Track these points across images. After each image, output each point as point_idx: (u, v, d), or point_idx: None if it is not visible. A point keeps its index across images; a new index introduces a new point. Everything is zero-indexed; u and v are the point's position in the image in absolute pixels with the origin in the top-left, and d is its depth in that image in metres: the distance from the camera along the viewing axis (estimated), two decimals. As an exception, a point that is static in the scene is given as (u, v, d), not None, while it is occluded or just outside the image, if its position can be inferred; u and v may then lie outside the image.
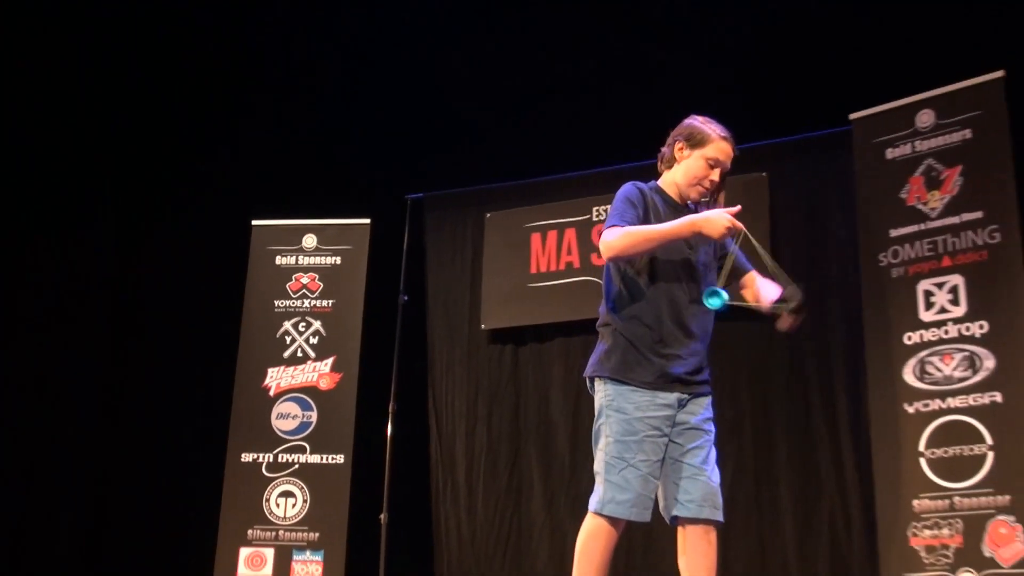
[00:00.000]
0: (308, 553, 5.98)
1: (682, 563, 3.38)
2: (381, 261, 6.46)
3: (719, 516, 3.35)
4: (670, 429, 3.32)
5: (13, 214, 6.52)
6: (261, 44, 6.94)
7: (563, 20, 6.51)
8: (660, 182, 3.61)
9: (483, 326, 6.41)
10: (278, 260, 6.48)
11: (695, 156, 3.52)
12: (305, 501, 6.07)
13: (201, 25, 6.82)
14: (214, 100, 7.02)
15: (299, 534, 6.03)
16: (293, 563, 5.98)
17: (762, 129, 5.90)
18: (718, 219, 3.27)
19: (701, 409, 3.39)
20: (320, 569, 5.94)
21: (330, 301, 6.38)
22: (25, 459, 6.43)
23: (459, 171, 6.69)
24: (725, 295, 3.22)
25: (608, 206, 6.16)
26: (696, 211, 3.43)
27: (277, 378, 6.26)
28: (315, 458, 6.13)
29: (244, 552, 6.03)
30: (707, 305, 3.24)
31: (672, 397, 3.32)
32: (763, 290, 3.37)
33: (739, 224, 3.29)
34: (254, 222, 6.56)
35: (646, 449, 3.28)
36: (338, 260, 6.46)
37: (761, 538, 5.51)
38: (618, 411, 3.33)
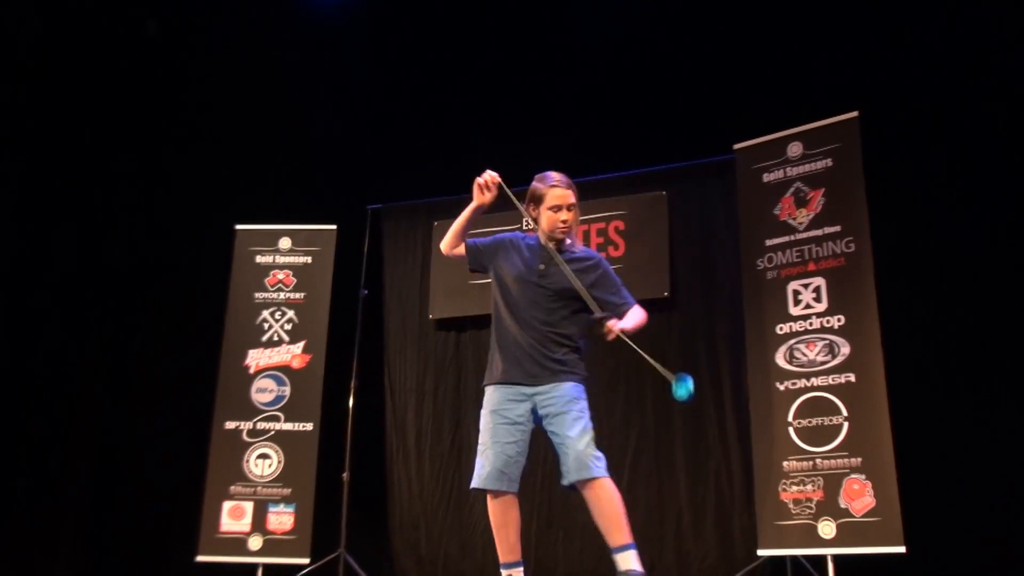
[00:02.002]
0: (282, 506, 5.92)
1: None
2: (345, 261, 6.42)
3: (589, 474, 3.35)
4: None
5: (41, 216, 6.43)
6: (252, 76, 6.87)
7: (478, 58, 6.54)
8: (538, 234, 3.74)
9: (431, 316, 6.40)
10: (257, 259, 6.40)
11: (542, 211, 3.67)
12: (280, 462, 6.00)
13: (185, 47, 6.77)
14: (207, 123, 6.95)
15: (274, 490, 5.96)
16: (269, 514, 5.91)
17: (662, 155, 5.97)
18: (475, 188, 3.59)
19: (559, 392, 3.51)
20: (292, 519, 5.88)
21: (302, 294, 6.31)
22: (38, 425, 6.29)
23: (411, 186, 6.69)
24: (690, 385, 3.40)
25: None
26: (560, 247, 3.66)
27: (256, 358, 6.18)
28: (288, 426, 6.06)
29: (227, 505, 5.95)
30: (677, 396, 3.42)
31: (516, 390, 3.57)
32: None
33: (487, 178, 3.59)
34: (237, 226, 6.47)
35: None
36: (309, 259, 6.39)
37: (660, 490, 5.58)
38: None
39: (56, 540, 6.39)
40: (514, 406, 3.53)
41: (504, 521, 3.50)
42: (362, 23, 6.81)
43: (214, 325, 6.24)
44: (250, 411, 6.09)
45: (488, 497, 3.51)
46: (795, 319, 5.12)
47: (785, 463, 4.96)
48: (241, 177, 6.79)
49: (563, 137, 6.36)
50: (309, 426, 6.05)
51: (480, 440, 3.55)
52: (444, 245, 3.76)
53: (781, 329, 5.15)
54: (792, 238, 5.22)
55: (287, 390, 6.12)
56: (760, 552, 4.96)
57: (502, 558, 3.54)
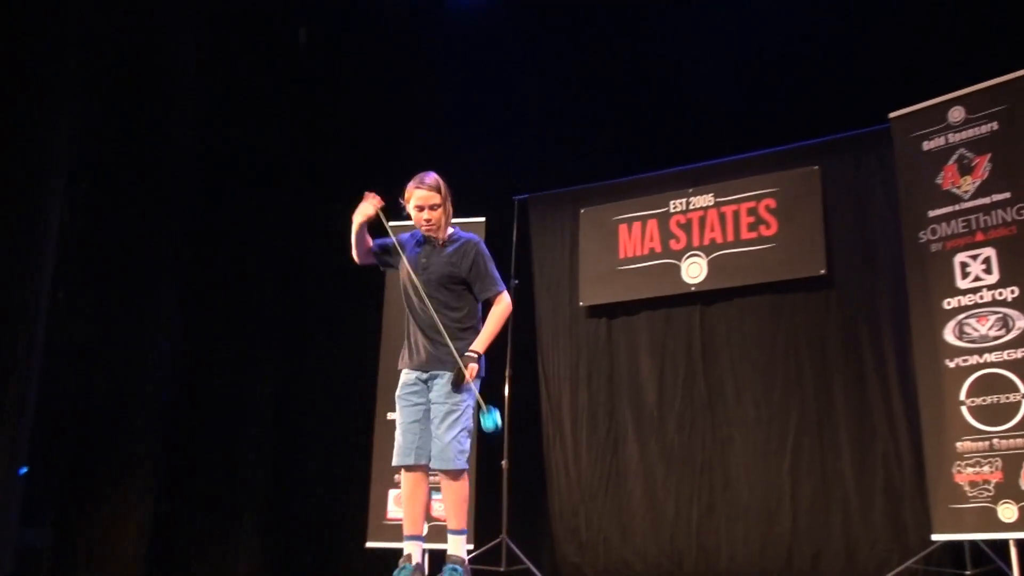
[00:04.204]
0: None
1: None
2: (495, 251, 6.44)
3: (450, 465, 3.79)
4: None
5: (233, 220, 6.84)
6: (401, 77, 7.07)
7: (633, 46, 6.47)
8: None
9: (581, 303, 6.38)
10: (411, 254, 6.52)
11: (411, 210, 4.00)
12: (440, 451, 6.11)
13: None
14: (362, 127, 7.20)
15: (436, 478, 6.05)
16: (432, 501, 6.02)
17: (813, 129, 5.76)
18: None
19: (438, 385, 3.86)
20: (454, 506, 5.97)
21: (454, 286, 6.40)
22: (221, 426, 6.64)
23: (557, 175, 6.68)
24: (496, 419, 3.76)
25: (683, 199, 6.12)
26: (433, 240, 4.00)
27: (414, 351, 6.31)
28: (447, 416, 6.16)
29: (392, 493, 6.12)
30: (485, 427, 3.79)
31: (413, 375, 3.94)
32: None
33: (369, 200, 3.95)
34: (390, 223, 6.60)
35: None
36: (460, 252, 6.46)
37: (824, 474, 5.40)
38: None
39: (239, 531, 6.77)
40: (412, 389, 3.92)
41: (409, 494, 3.94)
42: (504, 15, 6.86)
43: (372, 324, 6.41)
44: (410, 402, 6.22)
45: (402, 471, 3.96)
46: (963, 292, 4.86)
47: (959, 444, 4.71)
48: (389, 174, 6.95)
49: (709, 115, 6.24)
50: (467, 415, 6.13)
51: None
52: (355, 257, 4.08)
53: (948, 304, 4.89)
54: (957, 207, 4.95)
55: (444, 381, 6.22)
56: (935, 537, 4.75)
57: (404, 530, 3.95)
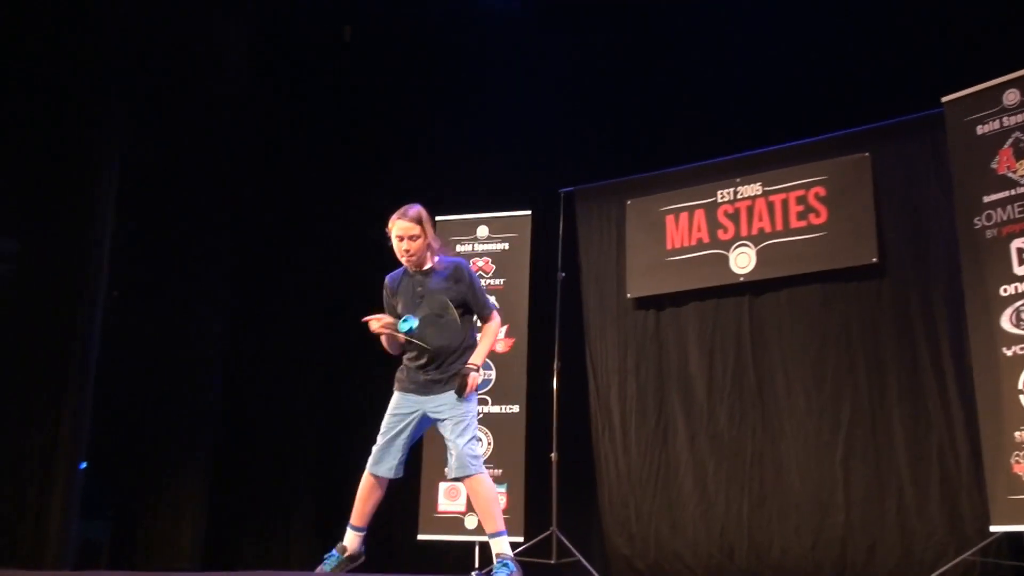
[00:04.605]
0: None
1: None
2: (541, 245, 6.48)
3: (464, 472, 3.97)
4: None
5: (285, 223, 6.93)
6: (446, 72, 7.09)
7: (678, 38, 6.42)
8: None
9: (629, 295, 6.35)
10: (458, 248, 6.57)
11: (393, 239, 4.15)
12: (489, 444, 6.15)
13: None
14: (408, 122, 7.23)
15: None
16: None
17: (862, 115, 5.67)
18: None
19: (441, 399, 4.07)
20: (505, 499, 6.01)
21: (502, 279, 6.44)
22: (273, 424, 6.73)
23: (603, 167, 6.65)
24: (413, 321, 4.03)
25: (731, 189, 6.07)
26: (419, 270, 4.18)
27: (462, 344, 6.34)
28: (496, 408, 6.21)
29: (443, 486, 6.16)
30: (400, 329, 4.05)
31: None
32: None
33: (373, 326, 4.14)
34: (437, 218, 6.64)
35: None
36: (506, 246, 6.50)
37: (878, 465, 5.31)
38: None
39: (292, 522, 6.86)
40: (403, 410, 4.13)
41: (364, 494, 4.22)
42: (546, 6, 6.85)
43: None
44: (459, 396, 6.26)
45: (369, 475, 4.21)
46: (1020, 279, 4.75)
47: (1017, 433, 4.61)
48: (440, 170, 6.99)
49: (756, 103, 6.18)
50: (516, 408, 6.16)
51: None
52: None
53: (1005, 291, 4.79)
54: (1013, 192, 4.84)
55: (492, 374, 6.26)
56: (993, 528, 4.66)
57: (352, 520, 4.20)
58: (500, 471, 6.08)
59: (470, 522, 6.03)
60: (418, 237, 4.11)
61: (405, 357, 4.19)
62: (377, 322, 4.12)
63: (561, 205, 6.59)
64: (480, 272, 6.48)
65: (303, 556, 6.65)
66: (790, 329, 5.75)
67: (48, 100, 6.06)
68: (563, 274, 6.37)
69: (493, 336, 4.22)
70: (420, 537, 6.14)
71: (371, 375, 7.06)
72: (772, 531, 5.54)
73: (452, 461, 3.99)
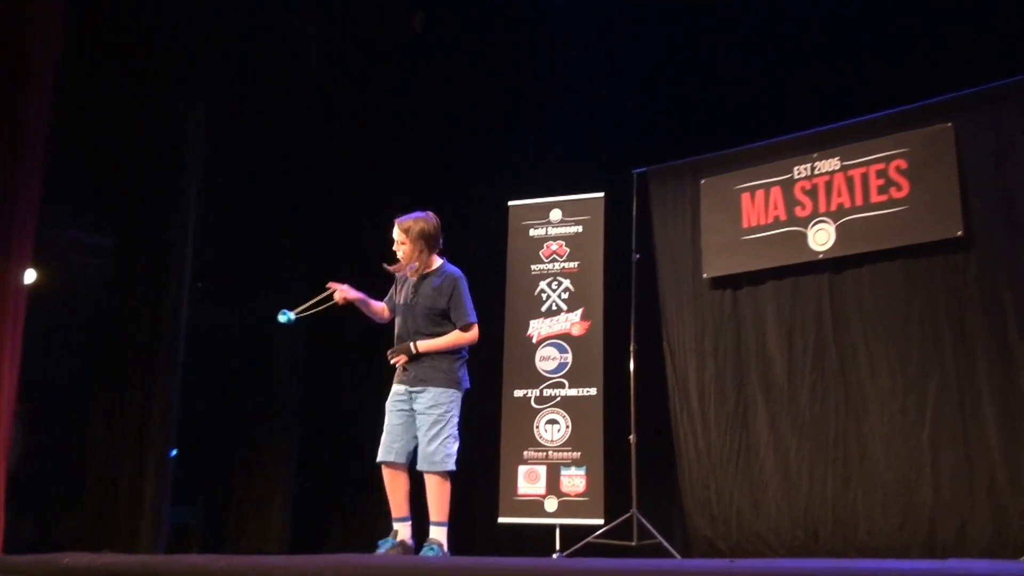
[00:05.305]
0: (573, 469, 6.07)
1: None
2: (615, 226, 6.44)
3: (431, 468, 4.39)
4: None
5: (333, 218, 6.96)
6: (518, 56, 7.10)
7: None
8: None
9: (705, 275, 6.27)
10: (531, 232, 6.56)
11: None
12: (567, 427, 6.16)
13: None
14: (480, 108, 7.26)
15: (565, 454, 6.13)
16: (562, 477, 6.09)
17: (944, 84, 5.48)
18: None
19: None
20: (584, 482, 6.02)
21: (576, 263, 6.42)
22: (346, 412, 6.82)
23: (676, 146, 6.56)
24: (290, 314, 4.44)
25: (808, 164, 5.95)
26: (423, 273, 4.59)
27: (538, 328, 6.37)
28: (573, 391, 6.21)
29: (522, 469, 6.19)
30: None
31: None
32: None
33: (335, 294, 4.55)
34: (510, 203, 6.66)
35: None
36: (580, 228, 6.47)
37: (967, 445, 5.15)
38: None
39: (376, 506, 6.94)
40: (400, 399, 4.49)
41: (390, 487, 4.49)
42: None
43: (495, 299, 6.47)
44: (536, 379, 6.29)
45: (383, 466, 4.49)
46: (1117, 249, 4.55)
47: (1115, 410, 4.43)
48: (513, 155, 7.00)
49: (831, 76, 6.03)
50: (593, 391, 6.15)
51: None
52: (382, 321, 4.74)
53: (1101, 262, 4.59)
54: (1108, 159, 4.63)
55: (569, 357, 6.26)
56: (1090, 507, 4.48)
57: (392, 513, 4.48)
58: (579, 454, 6.08)
59: (550, 505, 6.05)
60: (403, 244, 4.50)
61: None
62: (338, 296, 4.50)
63: (634, 186, 6.53)
64: (554, 256, 6.47)
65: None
66: (872, 306, 5.61)
67: (135, 102, 6.25)
68: (638, 255, 6.33)
69: (455, 341, 4.47)
70: (501, 520, 6.19)
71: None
72: (858, 511, 5.43)
73: (422, 455, 4.36)
